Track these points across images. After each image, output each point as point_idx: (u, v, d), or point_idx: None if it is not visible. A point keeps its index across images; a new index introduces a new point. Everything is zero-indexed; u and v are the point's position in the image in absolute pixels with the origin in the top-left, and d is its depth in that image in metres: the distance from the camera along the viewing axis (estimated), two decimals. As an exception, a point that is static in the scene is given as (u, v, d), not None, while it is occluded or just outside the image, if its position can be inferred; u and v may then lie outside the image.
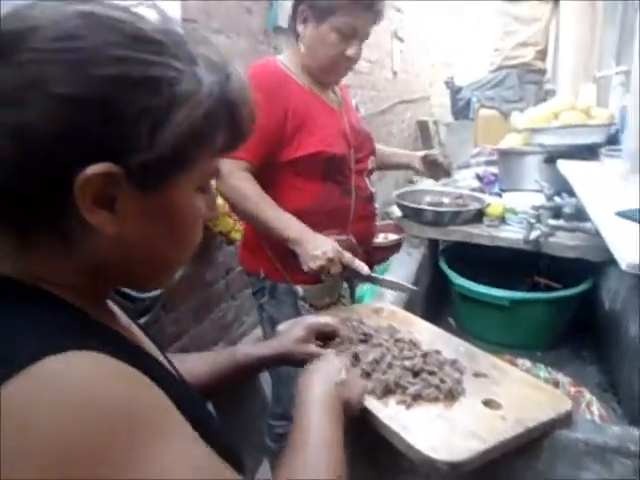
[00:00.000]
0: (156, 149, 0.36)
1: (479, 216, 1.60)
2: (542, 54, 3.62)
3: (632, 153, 1.31)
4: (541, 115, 1.64)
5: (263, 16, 2.23)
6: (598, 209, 1.05)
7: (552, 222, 1.45)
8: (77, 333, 0.35)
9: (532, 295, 1.42)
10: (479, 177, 1.96)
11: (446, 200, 1.75)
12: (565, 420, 0.65)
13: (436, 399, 0.62)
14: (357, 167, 1.28)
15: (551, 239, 1.44)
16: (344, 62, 1.17)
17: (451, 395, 0.62)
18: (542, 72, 3.64)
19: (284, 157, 1.16)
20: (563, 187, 1.55)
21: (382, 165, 1.55)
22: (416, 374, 0.64)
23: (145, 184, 0.37)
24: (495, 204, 1.63)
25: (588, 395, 1.16)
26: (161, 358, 0.51)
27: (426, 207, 1.63)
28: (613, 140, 1.63)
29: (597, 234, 1.31)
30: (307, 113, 1.17)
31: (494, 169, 2.63)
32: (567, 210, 1.46)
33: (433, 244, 1.77)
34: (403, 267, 1.47)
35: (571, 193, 1.49)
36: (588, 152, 1.61)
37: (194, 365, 0.64)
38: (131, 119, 0.35)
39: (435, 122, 5.62)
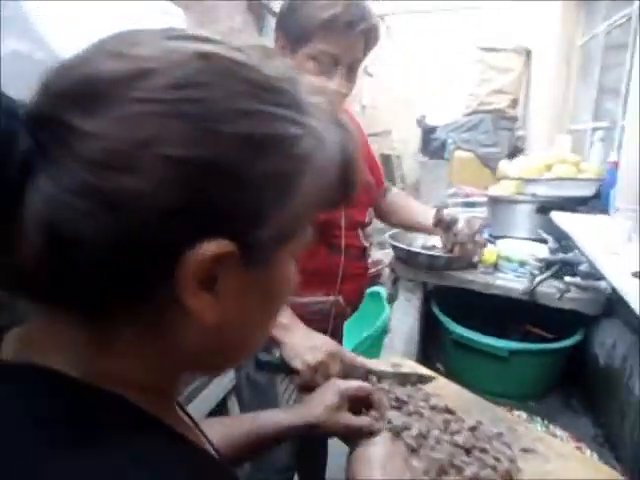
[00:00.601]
0: (278, 222, 0.30)
1: (473, 262, 1.60)
2: (515, 102, 3.78)
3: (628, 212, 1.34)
4: (534, 166, 1.67)
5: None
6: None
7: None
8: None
9: (531, 346, 1.41)
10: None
11: (438, 243, 1.74)
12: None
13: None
14: (349, 222, 1.09)
15: (544, 290, 1.44)
16: (329, 96, 1.04)
17: (509, 476, 0.57)
18: (514, 119, 3.80)
19: None
20: (557, 237, 1.58)
21: (397, 223, 1.38)
22: (468, 451, 0.60)
23: (254, 261, 0.31)
24: (489, 251, 1.63)
25: (588, 451, 1.14)
26: (207, 446, 0.43)
27: (421, 251, 1.62)
28: (598, 194, 1.68)
29: (600, 291, 1.33)
30: None
31: (477, 212, 2.69)
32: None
33: (423, 286, 1.75)
34: (405, 317, 1.43)
35: (567, 246, 1.51)
36: (577, 204, 1.66)
37: (209, 433, 0.56)
38: (256, 187, 0.28)
39: (398, 157, 5.74)
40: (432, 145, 3.98)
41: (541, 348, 1.41)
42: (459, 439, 0.60)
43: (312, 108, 0.33)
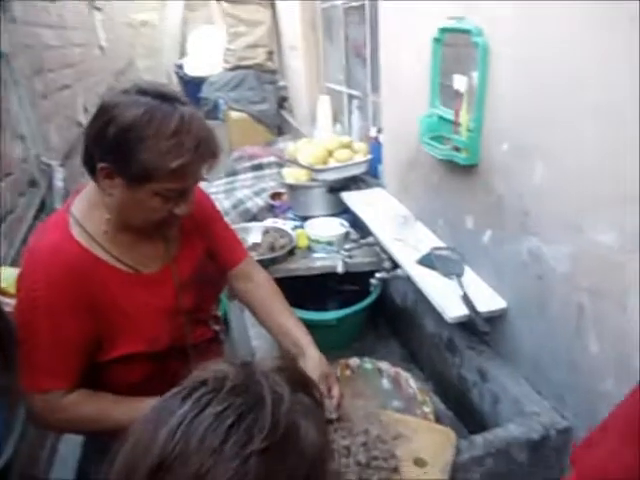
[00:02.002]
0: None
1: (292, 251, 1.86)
2: (270, 55, 3.98)
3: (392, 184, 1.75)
4: (319, 153, 1.95)
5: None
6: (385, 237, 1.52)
7: (347, 246, 1.82)
8: None
9: (351, 309, 1.76)
10: (273, 206, 2.20)
11: (254, 237, 1.93)
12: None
13: (388, 479, 0.84)
14: (195, 319, 1.05)
15: (351, 260, 1.81)
16: (173, 219, 0.92)
17: (396, 470, 0.86)
18: (274, 72, 4.02)
19: (97, 359, 0.93)
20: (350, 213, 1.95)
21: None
22: (367, 465, 0.85)
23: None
24: (301, 236, 1.90)
25: (404, 373, 1.54)
26: None
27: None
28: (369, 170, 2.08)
29: (379, 247, 1.75)
30: (116, 306, 0.91)
31: (267, 174, 2.91)
32: (353, 236, 1.88)
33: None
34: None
35: (358, 219, 1.88)
36: (354, 181, 2.03)
37: None
38: None
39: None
40: (204, 109, 3.96)
41: (357, 308, 1.77)
42: (361, 459, 0.85)
43: None
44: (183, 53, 5.26)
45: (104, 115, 0.82)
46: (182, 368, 0.73)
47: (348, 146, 2.02)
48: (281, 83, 4.04)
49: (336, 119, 2.82)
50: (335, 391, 1.01)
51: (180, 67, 5.08)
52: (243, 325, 1.75)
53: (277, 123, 4.00)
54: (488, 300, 1.26)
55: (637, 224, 0.83)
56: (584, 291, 0.97)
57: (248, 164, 3.26)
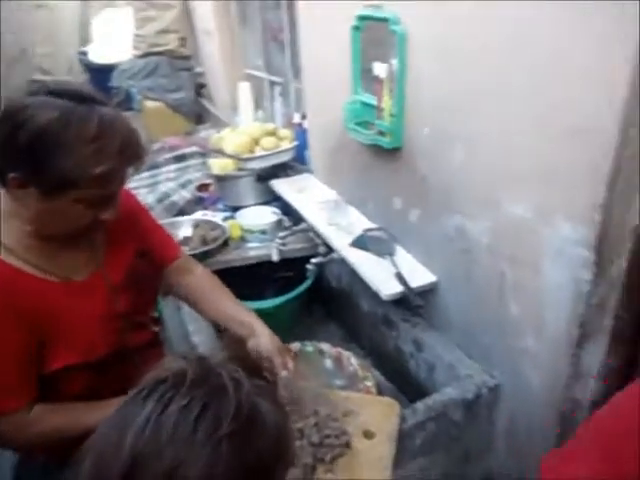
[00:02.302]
0: None
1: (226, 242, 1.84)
2: (184, 40, 3.82)
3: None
4: (244, 142, 1.93)
5: None
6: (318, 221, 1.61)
7: (281, 233, 1.84)
8: None
9: (288, 296, 1.78)
10: (201, 198, 2.15)
11: (185, 231, 1.88)
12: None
13: (341, 454, 0.88)
14: (133, 322, 1.01)
15: (286, 247, 1.83)
16: (99, 224, 0.87)
17: (347, 445, 0.90)
18: (189, 58, 3.87)
19: (41, 372, 0.88)
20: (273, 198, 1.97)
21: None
22: (321, 444, 0.89)
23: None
24: (234, 227, 1.89)
25: (345, 352, 1.61)
26: None
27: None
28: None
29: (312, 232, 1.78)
30: (48, 318, 0.86)
31: (191, 165, 2.82)
32: (286, 224, 1.90)
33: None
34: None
35: (288, 206, 1.89)
36: (282, 169, 2.04)
37: None
38: None
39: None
40: (116, 98, 3.73)
41: (295, 294, 1.80)
42: (315, 439, 0.89)
43: None
44: (86, 39, 4.90)
45: (11, 119, 0.74)
46: (127, 373, 0.74)
47: (273, 133, 2.02)
48: (197, 70, 3.91)
49: (258, 106, 2.79)
50: (291, 365, 1.02)
51: (84, 54, 4.73)
52: (180, 322, 1.71)
53: (196, 111, 3.87)
54: (420, 276, 1.34)
55: (546, 196, 0.93)
56: (505, 260, 1.07)
57: (170, 155, 3.13)
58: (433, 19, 1.10)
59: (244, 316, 1.10)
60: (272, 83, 2.65)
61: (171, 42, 3.73)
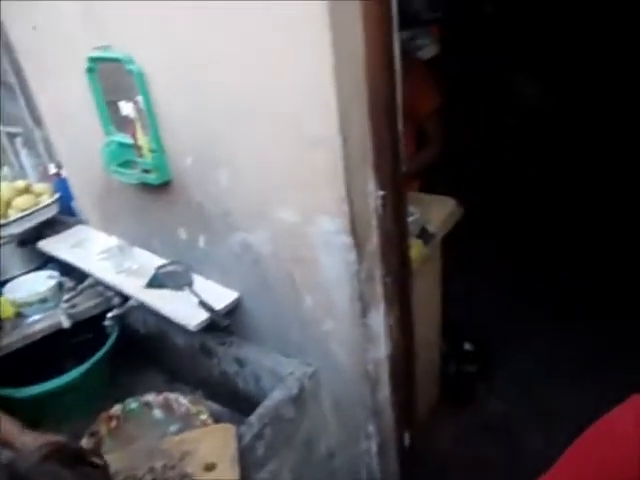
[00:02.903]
0: None
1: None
2: None
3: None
4: (-7, 207, 1.69)
5: None
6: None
7: (66, 296, 1.66)
8: None
9: (91, 361, 1.58)
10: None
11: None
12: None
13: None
14: None
15: (76, 310, 1.67)
16: None
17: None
18: None
19: None
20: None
21: None
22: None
23: None
24: (2, 304, 1.63)
25: (172, 395, 1.52)
26: None
27: None
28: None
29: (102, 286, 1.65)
30: None
31: None
32: (69, 284, 1.72)
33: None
34: None
35: (69, 265, 1.72)
36: (48, 226, 1.84)
37: None
38: None
39: None
40: None
41: (99, 356, 1.61)
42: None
43: None
44: None
45: None
46: None
47: (27, 190, 1.80)
48: None
49: (1, 163, 2.44)
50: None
51: None
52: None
53: None
54: (223, 296, 1.38)
55: (305, 199, 1.06)
56: (289, 262, 1.18)
57: None
58: (163, 54, 1.14)
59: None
60: (10, 135, 2.35)
61: None
